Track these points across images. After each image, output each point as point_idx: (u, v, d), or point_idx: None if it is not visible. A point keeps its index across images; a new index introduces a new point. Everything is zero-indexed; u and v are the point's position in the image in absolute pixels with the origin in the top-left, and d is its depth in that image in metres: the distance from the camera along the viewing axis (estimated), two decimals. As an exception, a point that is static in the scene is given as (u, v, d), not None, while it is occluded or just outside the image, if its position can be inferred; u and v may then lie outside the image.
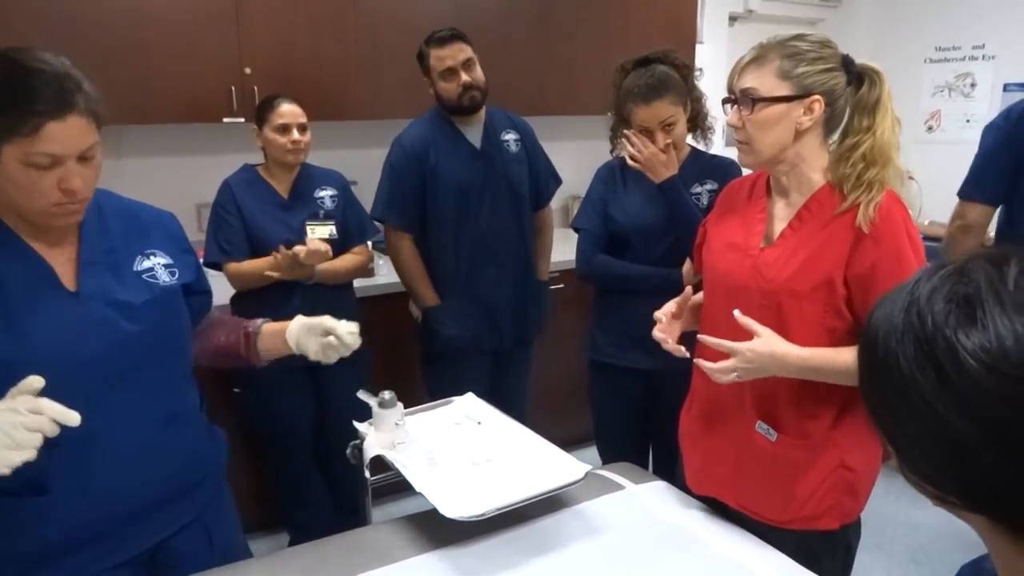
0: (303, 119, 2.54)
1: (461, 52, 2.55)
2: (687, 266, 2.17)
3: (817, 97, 1.42)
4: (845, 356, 1.39)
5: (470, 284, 2.70)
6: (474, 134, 2.68)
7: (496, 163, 2.67)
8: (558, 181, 2.95)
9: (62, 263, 1.31)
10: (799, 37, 1.44)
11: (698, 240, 1.80)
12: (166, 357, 1.42)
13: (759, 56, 1.44)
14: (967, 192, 2.56)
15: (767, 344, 1.40)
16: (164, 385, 1.41)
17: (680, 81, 2.17)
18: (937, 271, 0.63)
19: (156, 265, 1.42)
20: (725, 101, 1.51)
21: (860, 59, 1.50)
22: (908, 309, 0.61)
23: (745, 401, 1.55)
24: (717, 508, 1.66)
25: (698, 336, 1.53)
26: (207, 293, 1.61)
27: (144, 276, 1.40)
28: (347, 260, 2.66)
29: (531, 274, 2.84)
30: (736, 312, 1.43)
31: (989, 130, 2.55)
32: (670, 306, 1.68)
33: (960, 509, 0.61)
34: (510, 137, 2.72)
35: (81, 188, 1.23)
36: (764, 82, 1.42)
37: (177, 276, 1.45)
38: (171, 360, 1.44)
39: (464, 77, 2.55)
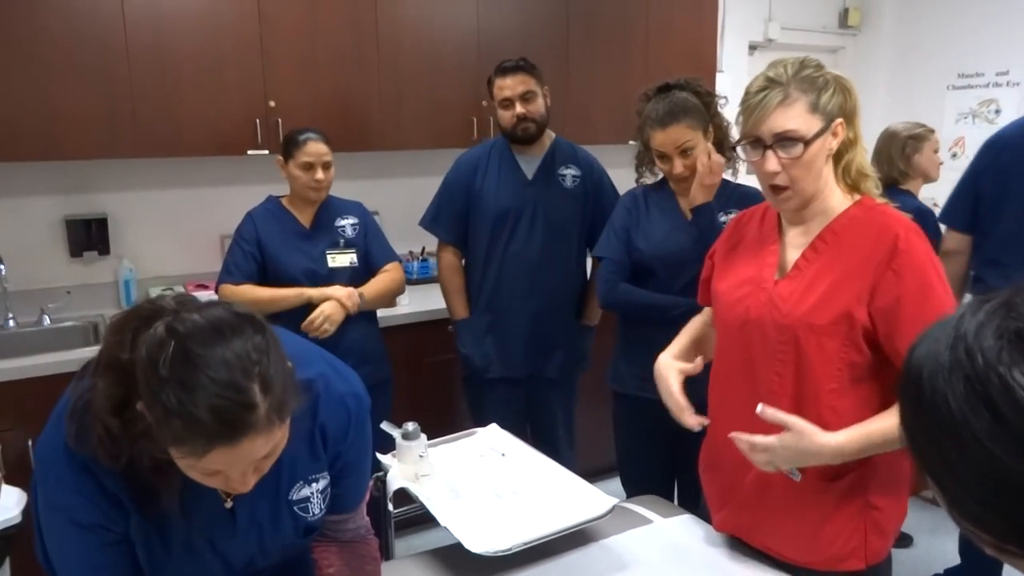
0: (328, 157, 2.56)
1: (521, 84, 2.61)
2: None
3: (840, 120, 1.40)
4: (881, 427, 1.34)
5: (491, 307, 2.74)
6: (531, 164, 2.72)
7: (541, 195, 2.70)
8: None
9: None
10: (803, 65, 1.40)
11: (705, 273, 1.74)
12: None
13: (785, 96, 1.37)
14: (942, 218, 2.68)
15: (799, 440, 1.32)
16: None
17: (699, 106, 2.17)
18: (982, 305, 0.60)
19: (313, 494, 1.26)
20: (739, 146, 1.44)
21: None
22: (955, 346, 0.59)
23: None
24: (746, 543, 1.62)
25: (731, 435, 1.41)
26: (348, 498, 1.36)
27: (296, 508, 1.25)
28: (383, 280, 2.66)
29: (566, 313, 2.80)
30: (759, 407, 1.33)
31: (974, 158, 2.66)
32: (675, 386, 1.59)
33: (1018, 559, 0.58)
34: (568, 172, 2.74)
35: (250, 486, 1.06)
36: (801, 121, 1.36)
37: (328, 499, 1.29)
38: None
39: (519, 108, 2.61)
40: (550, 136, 2.76)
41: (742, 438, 1.39)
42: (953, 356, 0.58)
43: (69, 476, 1.07)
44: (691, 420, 1.54)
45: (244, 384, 0.95)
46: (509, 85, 2.61)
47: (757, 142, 1.40)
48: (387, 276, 2.68)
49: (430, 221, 2.81)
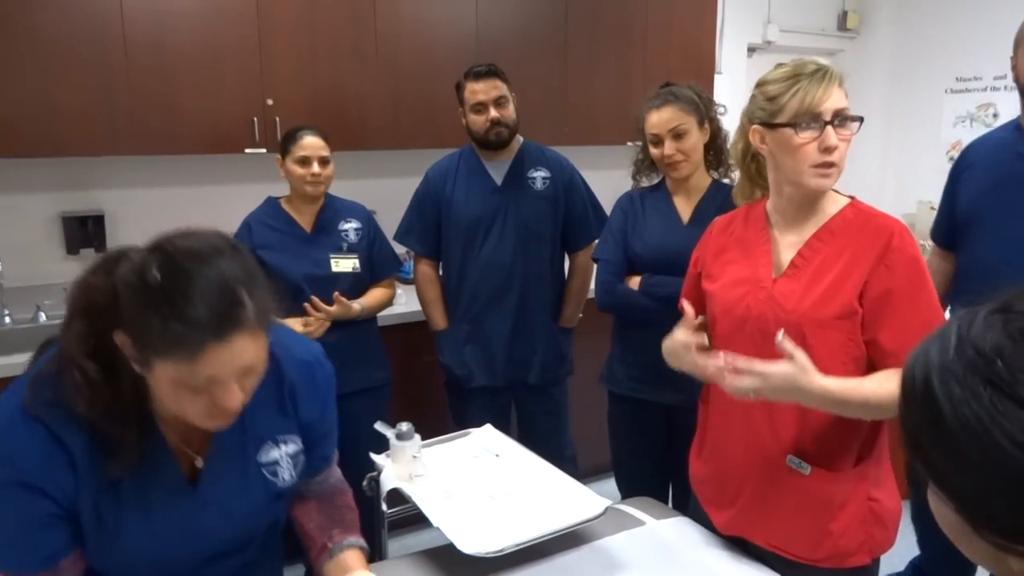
0: (325, 152, 2.54)
1: (494, 89, 2.59)
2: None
3: None
4: (865, 388, 1.36)
5: (469, 316, 2.73)
6: (499, 170, 2.70)
7: (511, 200, 2.68)
8: (602, 224, 2.67)
9: (192, 445, 1.20)
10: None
11: (689, 282, 1.75)
12: (252, 546, 1.33)
13: (840, 79, 1.42)
14: (931, 233, 2.52)
15: (801, 375, 1.31)
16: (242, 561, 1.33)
17: (694, 97, 2.21)
18: (976, 313, 0.61)
19: (283, 457, 1.26)
20: (795, 124, 1.39)
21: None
22: (962, 352, 0.59)
23: (770, 436, 1.51)
24: (740, 545, 1.62)
25: (722, 360, 1.39)
26: (324, 459, 1.41)
27: (265, 471, 1.25)
28: (377, 295, 2.67)
29: (544, 317, 2.77)
30: (780, 335, 1.32)
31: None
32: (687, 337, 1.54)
33: None
34: (537, 175, 2.71)
35: (238, 404, 1.08)
36: (846, 101, 1.42)
37: (300, 466, 1.31)
38: (258, 545, 1.36)
39: (493, 113, 2.59)
40: (518, 140, 2.73)
41: (740, 363, 1.35)
42: (965, 363, 0.58)
43: (24, 435, 1.07)
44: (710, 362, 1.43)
45: (233, 285, 1.01)
46: (482, 89, 2.58)
47: (816, 118, 1.39)
48: (380, 293, 2.69)
49: (403, 234, 2.81)
